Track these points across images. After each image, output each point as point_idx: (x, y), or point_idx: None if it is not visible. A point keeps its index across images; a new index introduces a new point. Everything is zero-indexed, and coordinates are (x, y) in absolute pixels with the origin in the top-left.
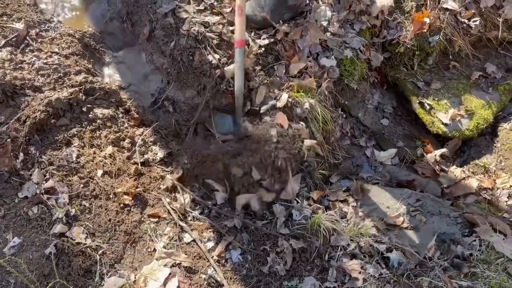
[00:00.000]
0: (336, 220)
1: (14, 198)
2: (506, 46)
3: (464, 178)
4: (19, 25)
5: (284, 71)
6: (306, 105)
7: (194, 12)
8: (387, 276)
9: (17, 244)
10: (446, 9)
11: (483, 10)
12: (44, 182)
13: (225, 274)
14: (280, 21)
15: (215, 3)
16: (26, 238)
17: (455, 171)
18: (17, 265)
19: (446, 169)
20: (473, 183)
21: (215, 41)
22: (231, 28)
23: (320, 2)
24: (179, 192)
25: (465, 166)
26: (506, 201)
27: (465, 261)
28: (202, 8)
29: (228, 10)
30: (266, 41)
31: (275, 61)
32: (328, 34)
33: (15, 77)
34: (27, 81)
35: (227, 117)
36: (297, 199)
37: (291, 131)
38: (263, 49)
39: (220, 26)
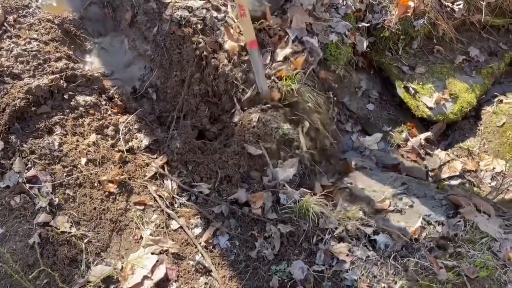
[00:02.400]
0: (325, 204)
1: None
2: (489, 30)
3: (448, 161)
4: None
5: (269, 57)
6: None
7: None
8: (374, 258)
9: None
10: None
11: None
12: (26, 171)
13: (213, 260)
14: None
15: None
16: (8, 228)
17: (440, 154)
18: (0, 255)
19: (431, 152)
20: (457, 165)
21: (199, 26)
22: (215, 13)
23: None
24: (166, 179)
25: (449, 149)
26: (490, 183)
27: (450, 242)
28: None
29: None
30: None
31: (260, 47)
32: (313, 18)
33: None
34: (5, 69)
35: None
36: (285, 183)
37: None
38: None
39: (204, 11)
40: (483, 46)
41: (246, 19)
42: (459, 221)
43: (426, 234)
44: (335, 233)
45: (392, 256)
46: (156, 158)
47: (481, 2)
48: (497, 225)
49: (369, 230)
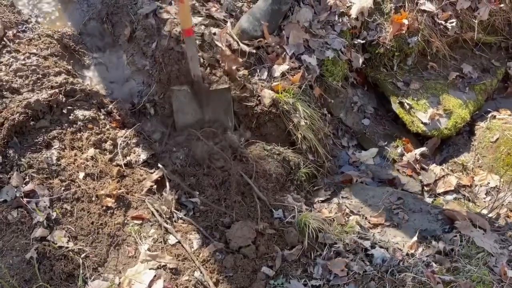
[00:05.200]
0: (323, 219)
1: None
2: (481, 47)
3: (443, 176)
4: None
5: (266, 73)
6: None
7: (175, 13)
8: (372, 273)
9: None
10: (424, 10)
11: (459, 12)
12: (23, 185)
13: (211, 276)
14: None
15: (197, 4)
16: (5, 242)
17: (435, 169)
18: None
19: (426, 167)
20: (452, 180)
21: (197, 42)
22: (213, 29)
23: (302, 4)
24: (165, 193)
25: (444, 164)
26: (484, 198)
27: (446, 257)
28: None
29: (212, 10)
30: (247, 49)
31: (258, 63)
32: (310, 35)
33: None
34: (4, 83)
35: None
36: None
37: None
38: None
39: (203, 27)
40: (476, 63)
41: (184, 6)
42: (455, 236)
43: (423, 249)
44: (332, 248)
45: (389, 271)
46: (153, 172)
47: (473, 20)
48: (492, 240)
49: (366, 244)
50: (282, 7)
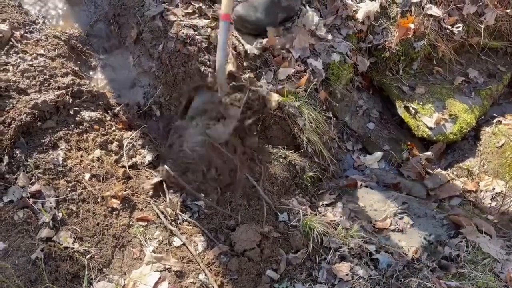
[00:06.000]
0: (328, 223)
1: None
2: (487, 52)
3: (448, 181)
4: (4, 27)
5: (272, 76)
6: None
7: (182, 15)
8: (376, 277)
9: (1, 250)
10: (430, 15)
11: (465, 16)
12: (30, 185)
13: (216, 278)
14: (274, 23)
15: (204, 6)
16: (11, 243)
17: (440, 174)
18: (2, 271)
19: (431, 172)
20: (457, 185)
21: (204, 44)
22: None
23: (308, 7)
24: (170, 195)
25: (449, 169)
26: (490, 203)
27: (452, 262)
28: (191, 11)
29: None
30: (255, 51)
31: (264, 65)
32: (316, 38)
33: (0, 79)
34: (11, 83)
35: None
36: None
37: None
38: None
39: (209, 30)
40: (481, 68)
41: None
42: (461, 242)
43: (428, 254)
44: (337, 252)
45: (394, 276)
46: (158, 173)
47: (479, 25)
48: (498, 246)
49: (371, 248)
50: (282, 1)
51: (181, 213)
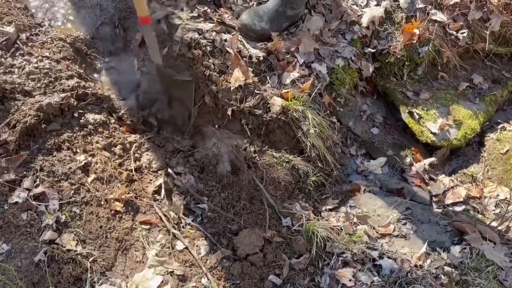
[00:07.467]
0: (331, 228)
1: (3, 204)
2: (492, 58)
3: (452, 187)
4: (10, 29)
5: (277, 80)
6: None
7: (187, 19)
8: (379, 283)
9: (5, 251)
10: (435, 21)
11: (470, 22)
12: (34, 188)
13: (218, 282)
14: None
15: (208, 10)
16: (14, 245)
17: (444, 180)
18: (5, 273)
19: (435, 177)
20: (462, 191)
21: (208, 48)
22: (224, 36)
23: (313, 12)
24: (174, 197)
25: (453, 175)
26: (494, 210)
27: (456, 269)
28: (195, 14)
29: (225, 17)
30: (260, 54)
31: (269, 70)
32: (321, 43)
33: (5, 81)
34: (17, 85)
35: None
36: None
37: None
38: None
39: (214, 33)
40: (486, 73)
41: None
42: (465, 248)
43: (431, 261)
44: (340, 257)
45: (397, 283)
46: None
47: (484, 31)
48: (502, 253)
49: (374, 253)
50: (287, 11)
51: (184, 217)
